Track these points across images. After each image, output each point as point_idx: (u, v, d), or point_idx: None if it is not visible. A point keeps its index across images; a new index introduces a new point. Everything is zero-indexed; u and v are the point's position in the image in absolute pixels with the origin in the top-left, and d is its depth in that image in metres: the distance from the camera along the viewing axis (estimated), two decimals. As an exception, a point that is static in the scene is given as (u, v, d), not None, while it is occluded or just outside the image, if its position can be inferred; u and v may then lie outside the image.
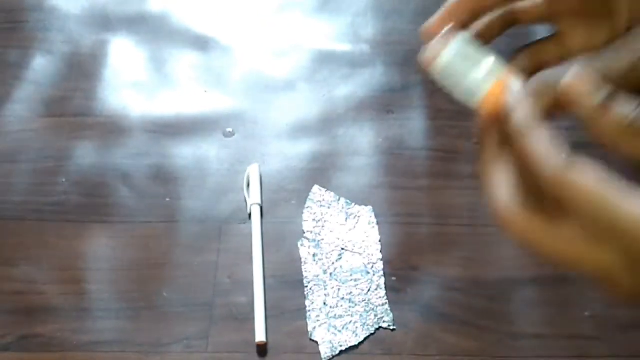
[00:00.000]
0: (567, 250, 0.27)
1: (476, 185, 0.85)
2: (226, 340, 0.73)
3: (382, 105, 0.93)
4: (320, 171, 0.86)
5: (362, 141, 0.90)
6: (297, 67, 0.98)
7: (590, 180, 0.25)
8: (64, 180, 0.85)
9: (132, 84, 0.95)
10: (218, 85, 0.95)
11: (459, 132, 0.90)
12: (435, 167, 0.87)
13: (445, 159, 0.88)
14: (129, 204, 0.83)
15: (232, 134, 0.90)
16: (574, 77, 0.28)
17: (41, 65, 0.97)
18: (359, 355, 0.72)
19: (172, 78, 0.96)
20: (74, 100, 0.93)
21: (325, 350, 0.72)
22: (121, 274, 0.78)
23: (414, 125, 0.91)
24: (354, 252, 0.78)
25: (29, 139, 0.89)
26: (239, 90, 0.95)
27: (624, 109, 0.27)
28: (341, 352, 0.72)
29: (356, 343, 0.72)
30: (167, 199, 0.84)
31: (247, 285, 0.76)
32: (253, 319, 0.74)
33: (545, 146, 0.27)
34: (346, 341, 0.72)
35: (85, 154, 0.88)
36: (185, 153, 0.88)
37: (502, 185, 0.28)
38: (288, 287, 0.77)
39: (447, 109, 0.92)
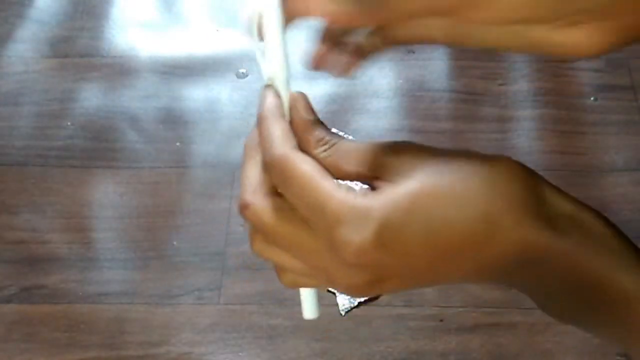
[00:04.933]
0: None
1: (501, 128, 0.80)
2: (239, 291, 0.70)
3: (403, 44, 0.88)
4: (338, 114, 0.82)
5: (382, 82, 0.85)
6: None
7: (302, 166, 0.29)
8: (69, 123, 0.82)
9: (141, 23, 0.91)
10: (230, 24, 0.90)
11: (482, 72, 0.85)
12: (458, 110, 0.82)
13: (468, 100, 0.83)
14: (137, 149, 0.80)
15: (245, 75, 0.85)
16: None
17: (45, 3, 0.93)
18: (379, 307, 0.69)
19: (182, 16, 0.91)
20: (79, 40, 0.89)
21: (343, 302, 0.68)
22: (129, 222, 0.74)
23: (436, 66, 0.86)
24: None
25: (33, 80, 0.85)
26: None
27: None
28: (359, 303, 0.68)
29: (375, 294, 0.69)
30: (178, 144, 0.80)
31: (261, 234, 0.73)
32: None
33: (275, 134, 0.31)
34: (365, 293, 0.69)
35: (92, 96, 0.84)
36: (196, 95, 0.84)
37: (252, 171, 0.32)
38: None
39: (470, 48, 0.86)
